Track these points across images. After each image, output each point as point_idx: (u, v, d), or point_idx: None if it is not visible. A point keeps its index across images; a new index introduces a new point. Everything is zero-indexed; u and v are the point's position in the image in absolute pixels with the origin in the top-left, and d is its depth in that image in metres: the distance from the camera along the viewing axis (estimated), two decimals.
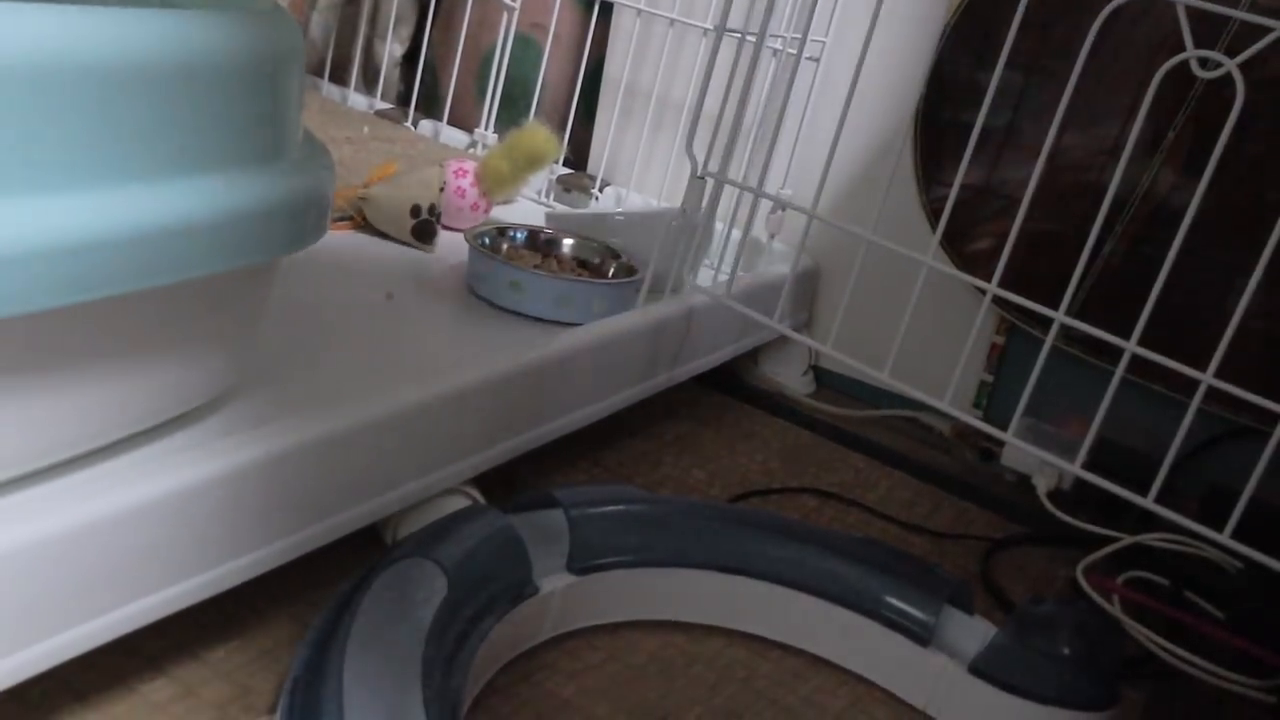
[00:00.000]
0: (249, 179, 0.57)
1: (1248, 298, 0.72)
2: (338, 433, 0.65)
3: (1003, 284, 0.81)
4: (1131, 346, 0.77)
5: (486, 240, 1.00)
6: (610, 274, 1.02)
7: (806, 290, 1.24)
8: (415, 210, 1.04)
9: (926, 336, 1.03)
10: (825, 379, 1.27)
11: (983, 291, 0.84)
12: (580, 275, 1.00)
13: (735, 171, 0.95)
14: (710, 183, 0.96)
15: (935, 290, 1.13)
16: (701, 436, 1.08)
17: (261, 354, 0.75)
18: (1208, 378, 0.74)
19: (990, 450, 1.15)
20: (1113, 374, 0.76)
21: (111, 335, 0.54)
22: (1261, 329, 0.99)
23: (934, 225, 1.13)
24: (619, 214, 1.13)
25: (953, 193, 0.84)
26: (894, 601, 0.75)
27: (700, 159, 0.96)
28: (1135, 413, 1.04)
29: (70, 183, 0.48)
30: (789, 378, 1.24)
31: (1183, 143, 1.03)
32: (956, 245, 1.12)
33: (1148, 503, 0.77)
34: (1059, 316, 0.79)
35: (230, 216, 0.55)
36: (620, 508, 0.76)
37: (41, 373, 0.51)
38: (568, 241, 1.04)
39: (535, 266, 0.98)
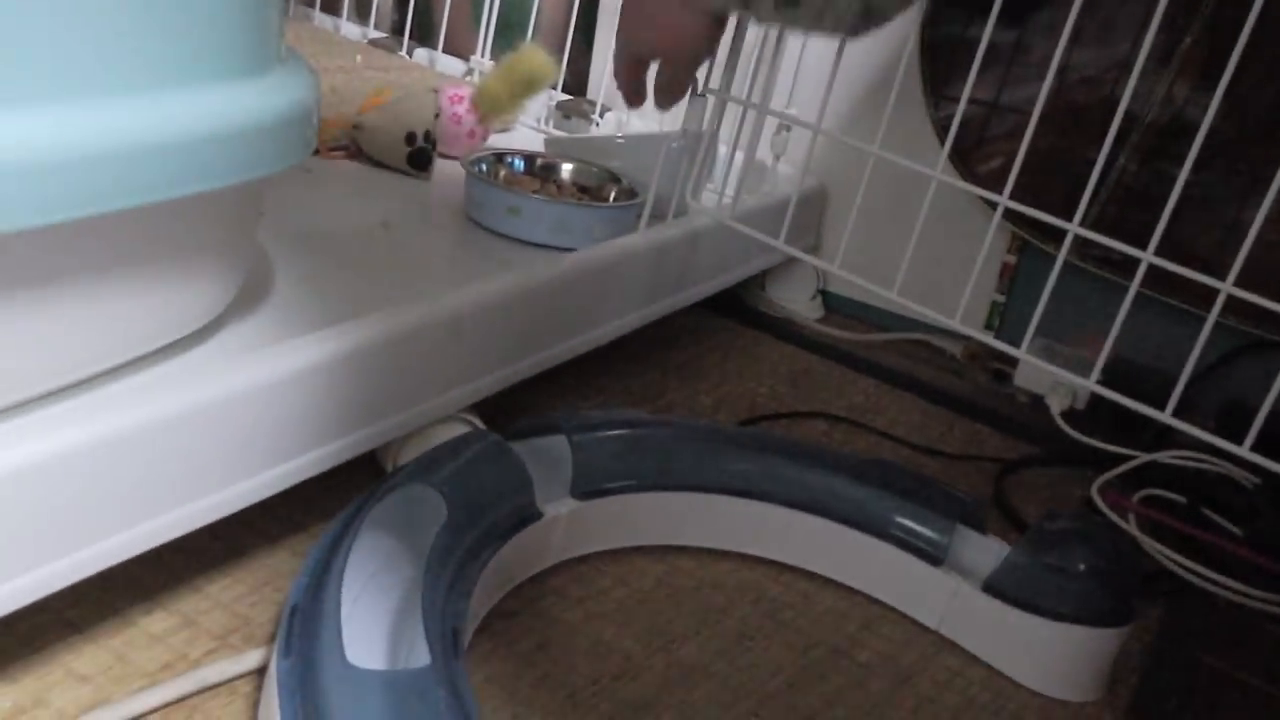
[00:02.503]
0: (232, 93, 0.55)
1: (1268, 204, 0.70)
2: (334, 357, 0.63)
3: (1015, 200, 0.79)
4: (1148, 256, 0.75)
5: (483, 167, 0.97)
6: (611, 198, 0.99)
7: (813, 213, 1.22)
8: (410, 138, 1.01)
9: (937, 257, 1.00)
10: (834, 304, 1.25)
11: (993, 206, 0.81)
12: (580, 200, 0.98)
13: (738, 89, 0.92)
14: (712, 101, 0.94)
15: (946, 211, 1.10)
16: (707, 362, 1.06)
17: (256, 282, 0.73)
18: (1227, 286, 0.72)
19: (1002, 371, 1.13)
20: (1128, 290, 0.74)
21: (97, 256, 0.52)
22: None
23: (943, 142, 1.10)
24: (619, 137, 1.10)
25: (960, 106, 0.81)
26: (905, 521, 0.74)
27: (701, 76, 0.93)
28: (1151, 330, 1.01)
29: (43, 96, 0.46)
30: (796, 303, 1.22)
31: (1198, 51, 0.99)
32: (968, 164, 1.09)
33: (1165, 416, 0.75)
34: (1073, 228, 0.77)
35: (213, 131, 0.53)
36: (624, 431, 0.74)
37: (21, 296, 0.49)
38: (567, 167, 1.02)
39: (534, 192, 0.96)
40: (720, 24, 0.73)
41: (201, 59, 0.53)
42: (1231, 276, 0.72)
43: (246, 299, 0.70)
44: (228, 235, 0.62)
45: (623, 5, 0.76)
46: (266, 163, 0.57)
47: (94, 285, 0.53)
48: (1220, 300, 0.72)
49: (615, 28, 0.75)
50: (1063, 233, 0.77)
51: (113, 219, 0.50)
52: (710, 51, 0.78)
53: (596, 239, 0.91)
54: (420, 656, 0.51)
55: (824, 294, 1.24)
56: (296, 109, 0.58)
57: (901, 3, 0.61)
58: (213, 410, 0.57)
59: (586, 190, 1.01)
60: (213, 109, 0.53)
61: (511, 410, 0.81)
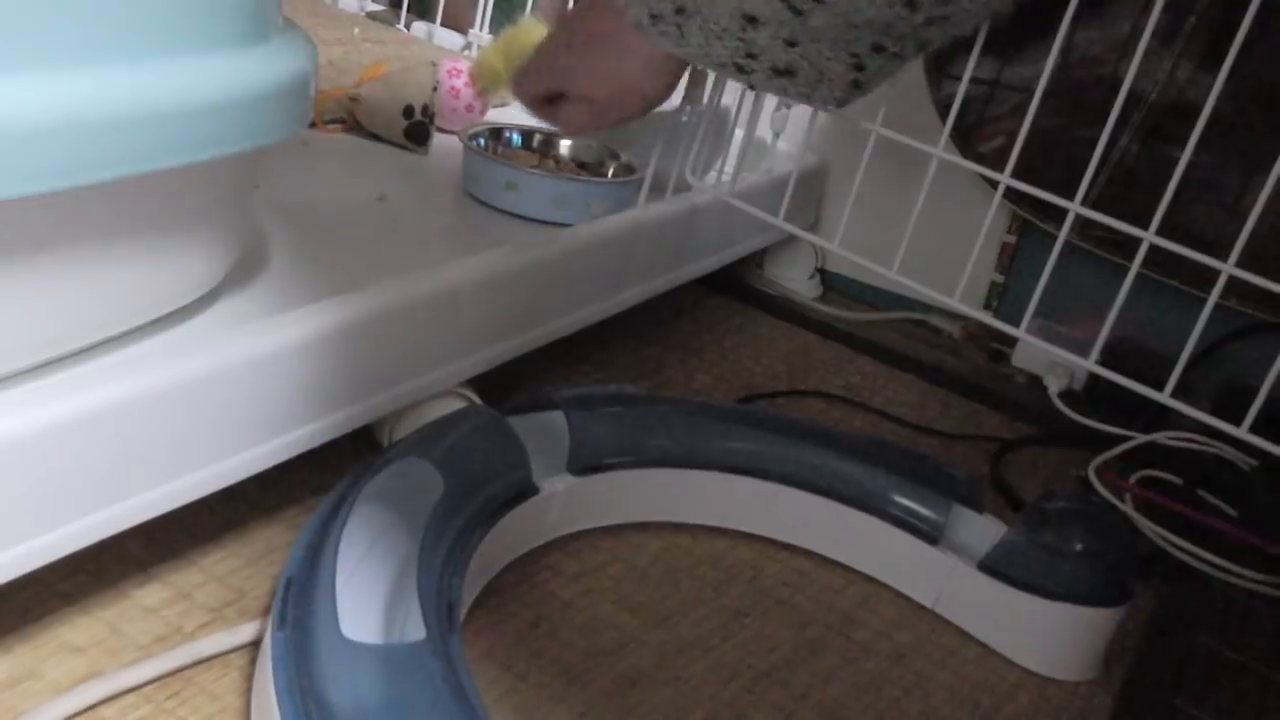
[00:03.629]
0: (227, 62, 0.54)
1: (1270, 187, 0.69)
2: (329, 330, 0.63)
3: (1016, 179, 0.78)
4: (1149, 236, 0.74)
5: (481, 141, 0.97)
6: (610, 174, 0.99)
7: (813, 191, 1.21)
8: (408, 111, 1.01)
9: (937, 237, 1.00)
10: (832, 282, 1.24)
11: (994, 185, 0.81)
12: (578, 175, 0.97)
13: None
14: (711, 76, 0.93)
15: (946, 191, 1.09)
16: (705, 340, 1.06)
17: (252, 255, 0.72)
18: (1228, 267, 0.72)
19: (1001, 351, 1.13)
20: (1128, 272, 0.74)
21: (89, 227, 0.51)
22: None
23: (945, 121, 1.09)
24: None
25: (963, 84, 0.81)
26: (902, 500, 0.74)
27: None
28: (1151, 312, 1.01)
29: (33, 63, 0.45)
30: (795, 281, 1.22)
31: (1202, 31, 0.99)
32: (970, 143, 1.09)
33: (1164, 397, 0.75)
34: (1074, 207, 0.77)
35: (208, 101, 0.52)
36: (621, 408, 0.74)
37: (12, 267, 0.49)
38: (565, 142, 1.01)
39: (532, 168, 0.95)
40: (669, 90, 0.69)
41: (197, 27, 0.52)
42: (1233, 258, 0.71)
43: (242, 272, 0.69)
44: (222, 207, 0.61)
45: (560, 36, 0.71)
46: (262, 134, 0.56)
47: (86, 256, 0.52)
48: (1221, 281, 0.72)
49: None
50: (1063, 212, 0.77)
51: (106, 189, 0.49)
52: (640, 114, 0.71)
53: (595, 215, 0.91)
54: (416, 630, 0.51)
55: (822, 273, 1.24)
56: (293, 79, 0.57)
57: (886, 76, 0.63)
58: (208, 383, 0.57)
59: (585, 165, 1.00)
60: (208, 78, 0.52)
61: (508, 386, 0.81)
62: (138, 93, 0.48)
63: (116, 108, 0.47)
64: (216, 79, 0.52)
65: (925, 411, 1.01)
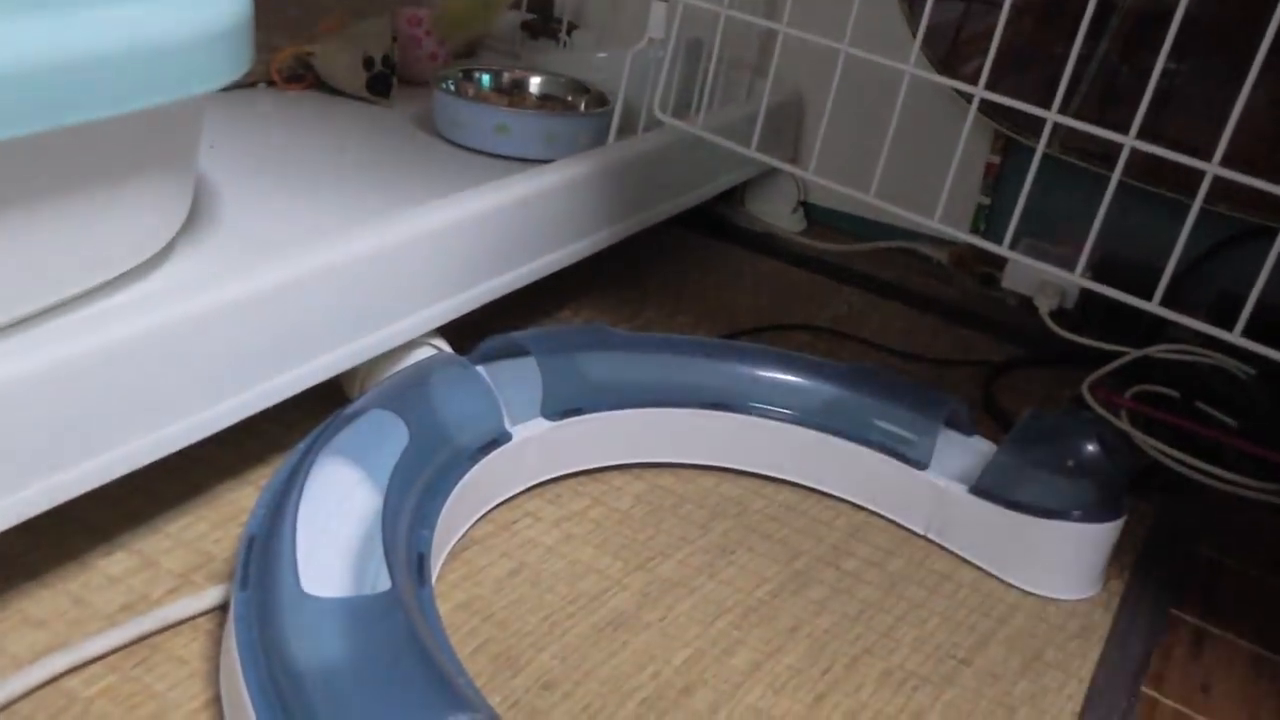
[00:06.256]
0: (151, 5, 0.52)
1: (1248, 88, 0.67)
2: (291, 280, 0.61)
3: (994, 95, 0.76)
4: (1130, 140, 0.72)
5: (452, 84, 0.95)
6: (582, 107, 0.97)
7: (790, 122, 1.19)
8: (368, 63, 0.98)
9: (919, 161, 0.97)
10: (816, 215, 1.22)
11: (969, 99, 0.78)
12: (559, 111, 0.95)
13: None
14: (680, 8, 0.90)
15: (926, 114, 1.07)
16: (687, 279, 1.03)
17: (212, 211, 0.70)
18: (1212, 167, 0.69)
19: (990, 275, 1.10)
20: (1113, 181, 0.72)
21: (15, 185, 0.49)
22: (1268, 124, 0.94)
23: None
24: (602, 54, 1.07)
25: None
26: (888, 426, 0.72)
27: None
28: (1139, 224, 0.99)
29: None
30: (777, 216, 1.19)
31: None
32: (950, 66, 1.06)
33: (1153, 306, 0.73)
34: (1051, 115, 0.74)
35: (138, 48, 0.50)
36: (594, 349, 0.72)
37: None
38: (534, 80, 0.99)
39: (509, 106, 0.93)
40: None
41: None
42: (1216, 157, 0.69)
43: (199, 230, 0.67)
44: (166, 162, 0.59)
45: None
46: (190, 82, 0.54)
47: (20, 217, 0.50)
48: (1206, 182, 0.69)
49: None
50: (1044, 126, 0.74)
51: (31, 144, 0.47)
52: None
53: (583, 148, 0.89)
54: (381, 582, 0.50)
55: (806, 206, 1.21)
56: (219, 24, 0.55)
57: None
58: (166, 340, 0.55)
59: (557, 100, 0.98)
60: (131, 23, 0.50)
61: (482, 334, 0.79)
62: (52, 41, 0.46)
63: (30, 58, 0.45)
64: (137, 25, 0.50)
65: (915, 339, 0.99)
